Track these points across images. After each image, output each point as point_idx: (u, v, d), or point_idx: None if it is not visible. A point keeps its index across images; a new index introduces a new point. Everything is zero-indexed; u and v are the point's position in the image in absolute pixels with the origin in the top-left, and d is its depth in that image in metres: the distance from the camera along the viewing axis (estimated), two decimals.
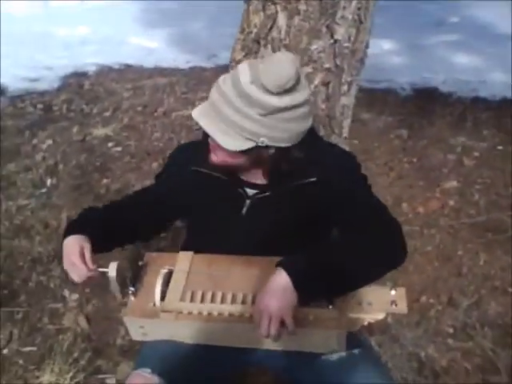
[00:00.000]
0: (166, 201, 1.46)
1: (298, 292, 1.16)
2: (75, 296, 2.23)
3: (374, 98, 3.69)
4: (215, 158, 1.28)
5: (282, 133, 1.20)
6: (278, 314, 1.15)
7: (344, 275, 1.20)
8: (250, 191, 1.36)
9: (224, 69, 3.99)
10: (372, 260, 1.23)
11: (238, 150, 1.21)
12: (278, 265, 1.20)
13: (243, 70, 1.17)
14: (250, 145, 1.20)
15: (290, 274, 1.17)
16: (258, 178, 1.35)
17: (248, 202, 1.36)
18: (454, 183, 2.88)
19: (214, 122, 1.19)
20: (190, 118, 3.54)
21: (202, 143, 1.34)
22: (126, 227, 1.43)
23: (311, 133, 1.32)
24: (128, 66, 4.49)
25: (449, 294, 2.22)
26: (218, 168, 1.32)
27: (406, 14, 5.58)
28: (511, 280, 2.26)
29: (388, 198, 2.63)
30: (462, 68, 4.59)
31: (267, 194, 1.34)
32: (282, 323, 1.16)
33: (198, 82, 4.16)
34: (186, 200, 1.42)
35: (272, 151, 1.24)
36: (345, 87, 1.94)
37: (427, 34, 5.33)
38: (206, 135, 1.34)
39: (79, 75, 4.29)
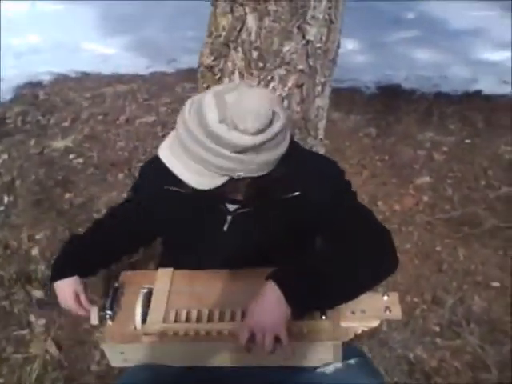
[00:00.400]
0: (144, 218, 1.40)
1: (290, 305, 1.10)
2: (42, 321, 2.10)
3: (340, 98, 3.64)
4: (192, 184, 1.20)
5: (257, 165, 1.15)
6: (272, 329, 1.09)
7: (337, 287, 1.15)
8: (231, 206, 1.30)
9: (186, 73, 3.84)
10: (364, 270, 1.18)
11: (210, 188, 1.15)
12: (268, 277, 1.14)
13: (209, 106, 1.09)
14: (225, 179, 1.15)
15: (281, 286, 1.11)
16: (239, 195, 1.29)
17: (229, 218, 1.30)
18: (427, 179, 2.87)
19: (185, 163, 1.12)
20: (154, 124, 3.44)
21: None
22: (112, 250, 1.45)
23: (292, 144, 1.25)
24: (85, 74, 4.31)
25: (432, 291, 2.19)
26: None
27: (364, 13, 5.59)
28: (492, 274, 2.25)
29: (363, 197, 2.58)
30: (423, 64, 4.63)
31: (249, 209, 1.28)
32: (276, 338, 1.09)
33: (159, 87, 4.03)
34: (162, 217, 1.36)
35: (247, 180, 1.18)
36: (319, 88, 1.89)
37: (386, 31, 5.36)
38: None
39: (33, 85, 4.09)
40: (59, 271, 1.35)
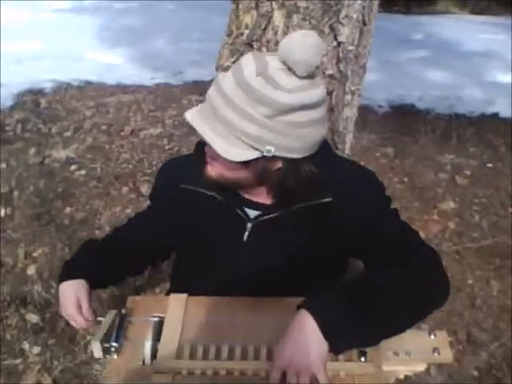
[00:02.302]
0: (161, 224, 1.24)
1: (327, 339, 0.92)
2: (37, 349, 1.90)
3: None
4: (212, 170, 1.05)
5: (292, 140, 0.98)
6: (307, 369, 0.90)
7: (383, 319, 0.97)
8: (252, 212, 1.12)
9: (192, 86, 3.68)
10: (415, 299, 1.00)
11: (238, 160, 0.98)
12: (301, 306, 0.95)
13: (247, 61, 0.96)
14: (253, 155, 0.97)
15: (317, 318, 0.92)
16: (261, 197, 1.11)
17: (249, 225, 1.12)
18: (451, 204, 2.71)
19: (211, 126, 0.96)
20: (160, 136, 3.26)
21: (195, 156, 1.15)
22: (126, 262, 1.28)
23: (324, 145, 1.09)
24: (88, 83, 4.16)
25: (466, 329, 2.01)
26: (214, 185, 1.08)
27: (375, 32, 5.46)
28: None
29: None
30: (435, 84, 4.53)
31: (273, 215, 1.10)
32: (312, 380, 0.90)
33: (165, 99, 3.88)
34: (176, 223, 1.19)
35: (279, 165, 1.01)
36: (348, 97, 1.74)
37: (396, 51, 5.30)
38: (199, 145, 1.14)
39: (34, 92, 3.92)
40: (67, 272, 1.20)
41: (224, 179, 1.05)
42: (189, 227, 1.17)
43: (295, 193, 1.06)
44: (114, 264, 1.25)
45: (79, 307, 1.13)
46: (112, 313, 1.11)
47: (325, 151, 1.10)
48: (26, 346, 1.90)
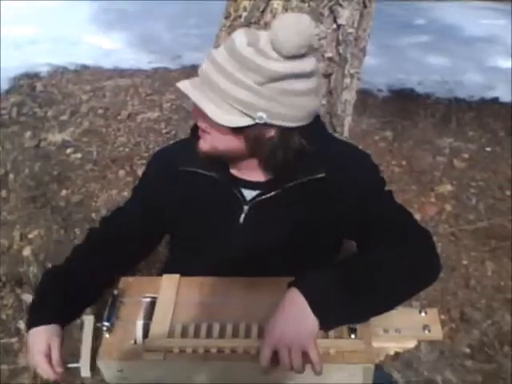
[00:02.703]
0: (149, 215, 1.20)
1: (317, 316, 0.91)
2: None
3: None
4: (204, 144, 1.05)
5: (283, 108, 0.98)
6: (298, 346, 0.90)
7: (373, 295, 0.97)
8: (249, 193, 1.12)
9: (191, 70, 3.66)
10: (406, 276, 1.00)
11: (230, 125, 0.99)
12: (291, 284, 0.95)
13: (238, 34, 0.98)
14: (245, 121, 0.98)
15: (307, 295, 0.92)
16: (257, 174, 1.11)
17: (246, 207, 1.11)
18: (448, 187, 2.70)
19: (204, 94, 0.99)
20: (157, 120, 3.25)
21: (188, 141, 1.14)
22: (106, 273, 1.19)
23: (317, 122, 1.09)
24: (85, 67, 4.13)
25: (460, 308, 2.01)
26: (206, 159, 1.08)
27: (375, 16, 5.44)
28: None
29: None
30: (436, 69, 4.50)
31: (268, 195, 1.09)
32: (303, 355, 0.90)
33: (163, 83, 3.86)
34: (171, 207, 1.17)
35: (272, 133, 1.01)
36: (347, 80, 1.73)
37: (397, 36, 5.24)
38: (194, 129, 1.12)
39: (30, 76, 3.90)
40: (36, 316, 1.09)
41: (217, 151, 1.05)
42: (185, 209, 1.16)
43: (287, 165, 1.05)
44: (88, 287, 1.16)
45: (48, 356, 1.04)
46: (89, 321, 1.06)
47: (319, 128, 1.10)
48: (21, 325, 1.91)
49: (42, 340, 1.04)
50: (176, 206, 1.17)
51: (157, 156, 1.27)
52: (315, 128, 1.07)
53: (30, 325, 1.08)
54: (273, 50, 0.95)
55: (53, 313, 1.08)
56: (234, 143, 1.03)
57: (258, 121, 0.98)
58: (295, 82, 0.97)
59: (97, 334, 1.06)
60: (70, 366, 1.06)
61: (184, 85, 1.01)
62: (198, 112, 1.02)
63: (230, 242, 1.12)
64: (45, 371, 1.04)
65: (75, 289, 1.13)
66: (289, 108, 0.99)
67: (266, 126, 0.99)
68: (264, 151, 1.05)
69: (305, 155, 1.05)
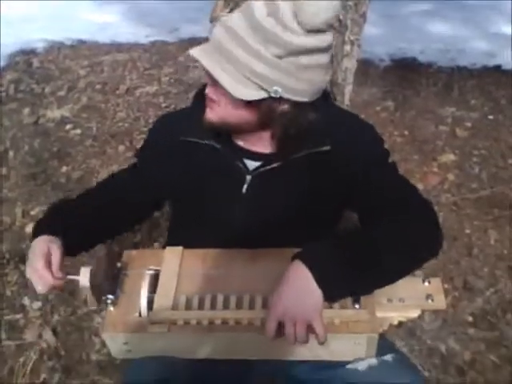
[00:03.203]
0: (150, 181, 1.20)
1: (321, 288, 0.91)
2: (37, 304, 1.91)
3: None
4: (212, 114, 1.02)
5: (299, 83, 0.96)
6: (303, 318, 0.90)
7: (378, 267, 0.96)
8: (252, 164, 1.11)
9: (189, 43, 3.63)
10: (411, 247, 1.00)
11: (245, 98, 0.95)
12: (295, 257, 0.95)
13: (257, 3, 0.93)
14: (260, 95, 0.96)
15: (311, 267, 0.92)
16: (261, 146, 1.10)
17: (248, 178, 1.10)
18: (451, 156, 2.67)
19: (219, 63, 0.95)
20: (156, 94, 3.21)
21: (192, 108, 1.12)
22: (107, 219, 1.20)
23: (324, 94, 1.07)
24: (82, 42, 4.06)
25: (462, 277, 2.02)
26: (213, 130, 1.06)
27: None
28: None
29: None
30: (438, 37, 4.42)
31: (272, 166, 1.08)
32: (308, 328, 0.91)
33: (161, 57, 3.80)
34: (172, 178, 1.17)
35: (285, 107, 0.99)
36: (347, 47, 1.70)
37: (398, 4, 5.13)
38: (197, 97, 1.12)
39: (26, 53, 3.83)
40: (37, 231, 1.08)
41: (225, 122, 1.03)
42: (187, 179, 1.15)
43: (297, 139, 1.04)
44: (91, 224, 1.17)
45: (48, 262, 1.00)
46: (85, 272, 1.03)
47: (325, 100, 1.09)
48: (26, 301, 1.92)
49: (41, 247, 1.01)
50: (177, 176, 1.16)
51: (158, 124, 1.25)
52: (322, 101, 1.06)
53: (33, 236, 1.06)
54: (296, 23, 0.91)
55: (55, 229, 1.07)
56: (245, 116, 1.01)
57: (273, 95, 0.95)
58: (313, 57, 0.95)
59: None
60: (70, 277, 1.02)
61: (197, 52, 0.97)
62: (211, 81, 0.99)
63: (233, 212, 1.12)
64: (43, 277, 0.99)
65: (78, 219, 1.15)
66: (304, 83, 0.97)
67: (280, 99, 0.97)
68: (275, 125, 1.04)
69: (313, 128, 1.04)
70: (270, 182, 1.10)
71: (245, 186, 1.11)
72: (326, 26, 0.93)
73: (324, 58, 0.98)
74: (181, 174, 1.16)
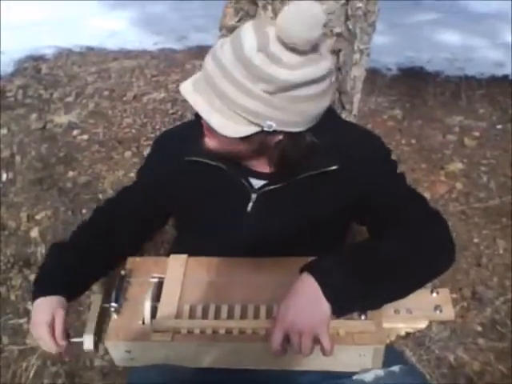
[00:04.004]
0: (154, 199, 1.18)
1: (330, 302, 0.89)
2: None
3: None
4: (210, 143, 1.02)
5: (293, 115, 0.94)
6: (310, 331, 0.88)
7: (387, 283, 0.94)
8: (257, 182, 1.09)
9: (196, 50, 3.63)
10: (421, 263, 0.98)
11: (236, 136, 0.95)
12: (303, 269, 0.93)
13: (247, 33, 0.91)
14: (253, 130, 0.94)
15: (320, 280, 0.90)
16: (265, 167, 1.09)
17: (254, 196, 1.09)
18: (459, 165, 2.66)
19: (208, 100, 0.92)
20: (163, 101, 3.22)
21: (195, 125, 1.07)
22: (111, 251, 1.17)
23: (329, 110, 1.05)
24: (90, 49, 4.09)
25: (471, 287, 1.99)
26: (216, 154, 1.05)
27: None
28: None
29: None
30: (445, 47, 4.42)
31: (278, 185, 1.07)
32: (314, 341, 0.89)
33: (168, 64, 3.81)
34: (176, 196, 1.15)
35: (280, 137, 0.98)
36: (356, 56, 1.69)
37: (405, 13, 5.14)
38: (198, 115, 1.07)
39: (35, 59, 3.86)
40: (42, 286, 1.07)
41: (223, 151, 1.03)
42: (192, 198, 1.14)
43: (296, 164, 1.03)
44: (94, 262, 1.15)
45: (52, 328, 1.01)
46: (96, 299, 1.07)
47: (330, 117, 1.06)
48: (30, 306, 1.90)
49: (45, 311, 1.02)
50: (181, 194, 1.15)
51: (161, 141, 1.23)
52: (327, 119, 1.03)
53: (35, 296, 1.06)
54: (286, 47, 0.89)
55: (57, 285, 1.06)
56: (240, 148, 1.01)
57: (266, 129, 0.94)
58: (306, 89, 0.92)
59: (103, 314, 1.05)
60: (74, 340, 1.05)
61: (185, 89, 0.96)
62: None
63: (238, 230, 1.11)
64: (47, 343, 1.02)
65: (79, 263, 1.11)
66: (298, 115, 0.95)
67: (275, 132, 0.96)
68: (271, 153, 1.03)
69: (317, 148, 1.02)
70: (275, 200, 1.08)
71: (250, 205, 1.10)
72: (310, 46, 0.90)
73: (319, 88, 0.94)
74: (185, 192, 1.14)
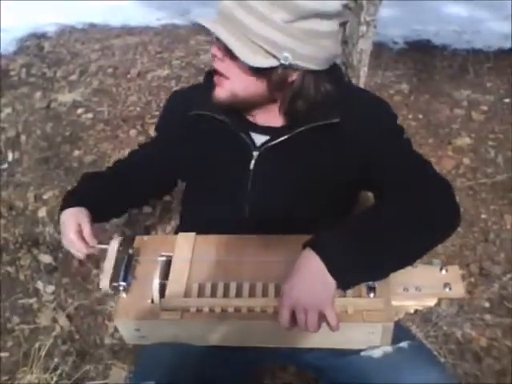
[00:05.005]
0: (168, 152, 1.22)
1: (334, 277, 0.89)
2: (51, 288, 1.92)
3: None
4: (221, 91, 1.02)
5: (308, 48, 0.95)
6: (315, 307, 0.89)
7: (392, 250, 0.93)
8: (260, 138, 1.09)
9: (200, 26, 3.59)
10: (425, 226, 0.96)
11: (256, 65, 0.95)
12: (306, 245, 0.92)
13: None
14: (270, 62, 0.95)
15: (322, 256, 0.89)
16: (270, 120, 1.08)
17: (256, 153, 1.08)
18: (467, 140, 2.62)
19: (230, 32, 0.94)
20: (168, 78, 3.19)
21: (202, 85, 1.13)
22: (131, 190, 1.25)
23: (335, 68, 1.06)
24: (92, 26, 4.03)
25: (478, 263, 1.98)
26: (223, 107, 1.05)
27: None
28: None
29: None
30: (452, 19, 4.33)
31: (279, 140, 1.06)
32: (320, 317, 0.89)
33: (172, 40, 3.76)
34: (185, 151, 1.18)
35: (294, 77, 0.98)
36: (363, 28, 1.67)
37: None
38: (208, 75, 1.11)
39: (37, 37, 3.82)
40: (67, 201, 1.16)
41: (234, 97, 1.02)
42: (197, 154, 1.15)
43: (306, 110, 1.03)
44: (116, 194, 1.24)
45: (80, 232, 1.09)
46: (115, 241, 1.08)
47: (337, 74, 1.06)
48: (39, 285, 1.93)
49: (71, 219, 1.10)
50: (188, 151, 1.16)
51: (171, 99, 1.25)
52: (333, 74, 1.04)
53: (61, 209, 1.15)
54: None
55: (83, 200, 1.15)
56: (254, 87, 1.00)
57: (282, 61, 0.94)
58: (323, 23, 0.94)
59: (120, 258, 1.06)
60: (100, 246, 1.10)
61: (209, 23, 0.96)
62: (219, 52, 0.98)
63: (242, 188, 1.10)
64: (78, 247, 1.09)
65: (106, 191, 1.22)
66: (314, 49, 0.95)
67: (289, 68, 0.96)
68: (285, 96, 1.02)
69: (323, 99, 1.02)
70: (277, 157, 1.08)
71: (252, 162, 1.09)
72: None
73: (333, 25, 0.97)
74: (193, 147, 1.16)
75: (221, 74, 1.01)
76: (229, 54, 0.97)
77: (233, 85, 1.01)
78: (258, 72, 0.97)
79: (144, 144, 1.37)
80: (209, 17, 0.98)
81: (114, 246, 1.06)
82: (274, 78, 0.98)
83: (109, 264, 1.04)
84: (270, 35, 0.92)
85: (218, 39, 0.98)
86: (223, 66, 1.00)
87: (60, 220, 1.14)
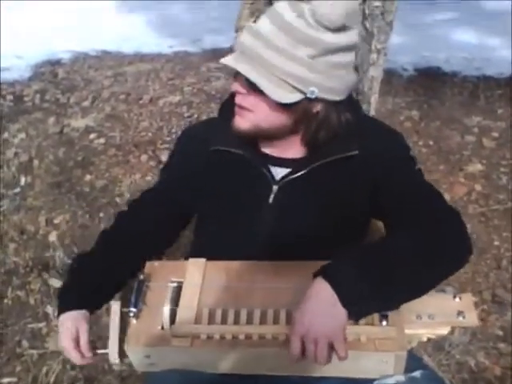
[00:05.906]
0: (179, 196, 1.18)
1: (345, 307, 0.88)
2: None
3: None
4: (242, 121, 1.02)
5: (333, 81, 0.98)
6: (326, 337, 0.87)
7: (404, 281, 0.92)
8: (279, 171, 1.09)
9: (211, 53, 3.62)
10: (437, 258, 0.96)
11: (283, 101, 0.96)
12: (317, 274, 0.92)
13: (283, 7, 0.96)
14: (297, 97, 0.97)
15: (334, 285, 0.89)
16: (290, 152, 1.09)
17: (275, 188, 1.08)
18: (478, 166, 2.62)
19: (253, 68, 0.95)
20: (179, 104, 3.23)
21: (215, 120, 1.16)
22: (136, 256, 1.15)
23: (351, 99, 1.08)
24: (106, 53, 4.12)
25: (491, 290, 1.96)
26: (243, 138, 1.05)
27: None
28: None
29: None
30: (462, 46, 4.37)
31: (299, 174, 1.07)
32: (330, 347, 0.88)
33: (183, 67, 3.83)
34: (201, 189, 1.15)
35: (318, 108, 1.00)
36: (374, 56, 1.67)
37: (421, 13, 5.09)
38: (224, 107, 1.12)
39: (52, 63, 3.91)
40: (65, 302, 1.09)
41: (257, 129, 1.03)
42: (213, 189, 1.14)
43: (327, 141, 1.04)
44: (119, 271, 1.15)
45: (76, 341, 1.04)
46: (115, 305, 1.06)
47: (352, 105, 1.08)
48: (49, 310, 1.92)
49: (70, 325, 1.04)
50: (205, 187, 1.15)
51: (184, 135, 1.24)
52: (351, 103, 1.06)
53: (60, 311, 1.08)
54: (316, 22, 0.93)
55: (81, 299, 1.08)
56: (279, 120, 1.01)
57: (309, 95, 0.96)
58: (344, 55, 0.97)
59: (124, 320, 1.05)
60: (99, 351, 1.06)
61: (231, 61, 0.98)
62: (244, 89, 0.99)
63: (259, 223, 1.10)
64: (73, 356, 1.05)
65: (103, 275, 1.11)
66: (338, 81, 0.98)
67: (314, 100, 0.98)
68: (309, 127, 1.04)
69: (343, 130, 1.04)
70: (296, 191, 1.08)
71: (271, 196, 1.09)
72: (343, 23, 0.94)
73: (351, 56, 1.00)
74: (209, 184, 1.14)
75: (244, 108, 1.02)
76: (252, 89, 0.98)
77: (257, 118, 1.01)
78: (283, 106, 0.98)
79: (146, 192, 1.25)
80: (230, 57, 0.98)
81: (115, 311, 1.04)
82: (298, 110, 1.00)
83: (114, 335, 1.04)
84: (295, 71, 0.94)
85: (237, 74, 0.99)
86: (247, 101, 1.00)
87: (58, 322, 1.07)
